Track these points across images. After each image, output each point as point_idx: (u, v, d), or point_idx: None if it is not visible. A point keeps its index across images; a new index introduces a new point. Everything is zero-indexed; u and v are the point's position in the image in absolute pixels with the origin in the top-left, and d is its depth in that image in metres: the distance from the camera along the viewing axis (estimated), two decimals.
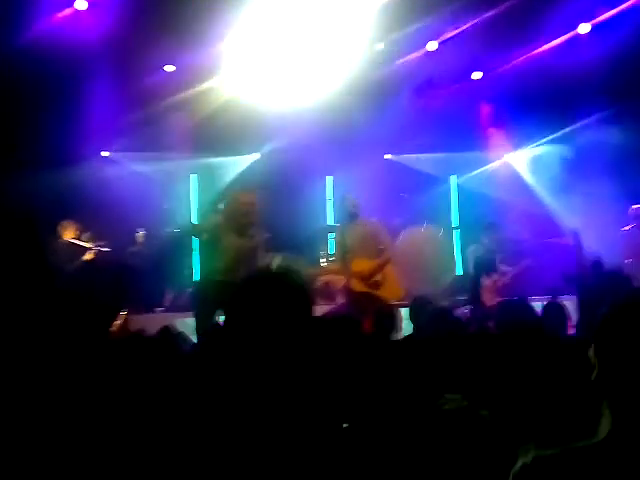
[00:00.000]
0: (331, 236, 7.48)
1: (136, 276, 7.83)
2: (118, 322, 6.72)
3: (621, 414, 1.41)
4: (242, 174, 9.42)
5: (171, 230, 7.88)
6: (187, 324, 5.47)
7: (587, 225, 6.76)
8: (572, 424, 2.08)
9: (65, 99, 7.76)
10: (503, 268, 7.08)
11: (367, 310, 5.63)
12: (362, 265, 5.91)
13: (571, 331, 3.90)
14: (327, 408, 1.70)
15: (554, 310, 3.97)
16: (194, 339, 4.09)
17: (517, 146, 9.83)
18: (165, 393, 2.50)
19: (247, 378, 1.64)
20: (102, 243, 6.92)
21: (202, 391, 2.33)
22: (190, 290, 7.58)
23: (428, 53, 8.46)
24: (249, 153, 9.62)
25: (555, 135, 9.15)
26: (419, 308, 4.42)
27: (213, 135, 8.86)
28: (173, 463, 1.58)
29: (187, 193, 9.40)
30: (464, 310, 6.24)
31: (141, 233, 8.14)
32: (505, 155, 10.01)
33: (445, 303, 5.32)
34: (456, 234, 9.79)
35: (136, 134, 8.67)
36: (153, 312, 7.75)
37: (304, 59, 8.04)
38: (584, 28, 8.06)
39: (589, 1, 7.81)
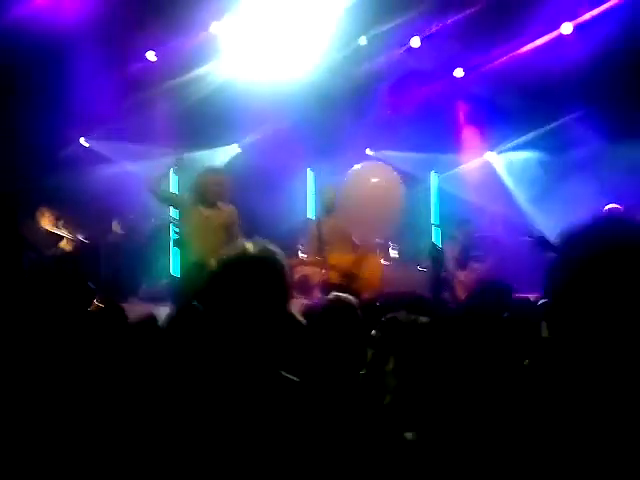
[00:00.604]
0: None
1: (111, 265, 7.77)
2: (91, 309, 6.67)
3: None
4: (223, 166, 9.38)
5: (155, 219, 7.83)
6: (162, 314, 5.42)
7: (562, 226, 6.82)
8: None
9: (44, 85, 7.67)
10: (473, 265, 7.13)
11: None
12: (339, 258, 5.90)
13: None
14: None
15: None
16: None
17: (496, 145, 9.89)
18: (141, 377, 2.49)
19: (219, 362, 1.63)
20: (78, 231, 6.83)
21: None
22: (165, 281, 7.54)
23: (410, 49, 8.48)
24: (229, 144, 9.58)
25: (534, 134, 9.21)
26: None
27: (193, 125, 8.80)
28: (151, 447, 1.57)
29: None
30: None
31: (117, 222, 8.07)
32: (485, 154, 10.07)
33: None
34: (436, 231, 9.82)
35: (116, 123, 8.59)
36: (127, 302, 7.69)
37: (285, 51, 8.01)
38: (567, 28, 8.11)
39: (572, 0, 7.87)
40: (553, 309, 1.36)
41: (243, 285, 1.64)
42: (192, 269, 5.15)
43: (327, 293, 5.59)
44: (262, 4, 7.67)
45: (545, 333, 2.27)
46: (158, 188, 5.57)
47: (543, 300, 3.89)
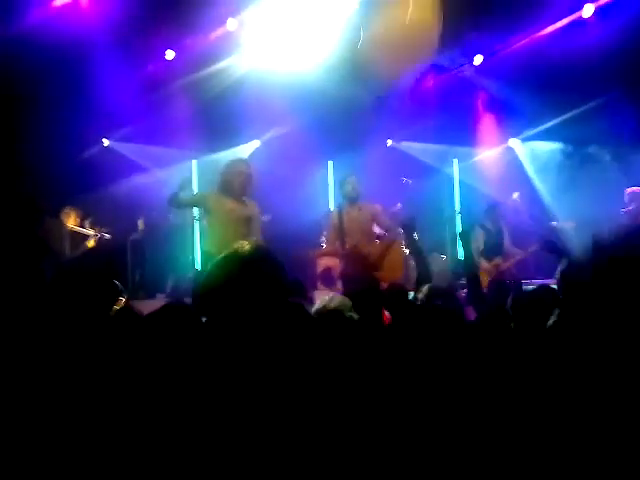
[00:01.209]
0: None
1: (137, 262, 7.87)
2: (117, 307, 6.76)
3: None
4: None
5: (173, 217, 7.89)
6: None
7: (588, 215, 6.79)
8: None
9: (66, 86, 7.74)
10: (512, 250, 7.07)
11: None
12: (359, 248, 5.89)
13: None
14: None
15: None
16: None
17: (519, 133, 9.79)
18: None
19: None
20: (104, 230, 6.92)
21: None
22: (191, 276, 7.60)
23: None
24: (249, 141, 9.62)
25: (557, 121, 9.10)
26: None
27: (213, 125, 8.84)
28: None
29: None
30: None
31: (142, 220, 8.15)
32: (509, 141, 9.98)
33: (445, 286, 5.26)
34: (458, 219, 9.77)
35: (137, 124, 8.66)
36: (154, 298, 7.79)
37: (303, 44, 7.99)
38: (588, 10, 7.98)
39: None
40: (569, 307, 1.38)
41: (233, 284, 1.65)
42: (211, 261, 5.15)
43: (347, 284, 5.65)
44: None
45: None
46: (176, 200, 5.54)
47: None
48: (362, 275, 5.81)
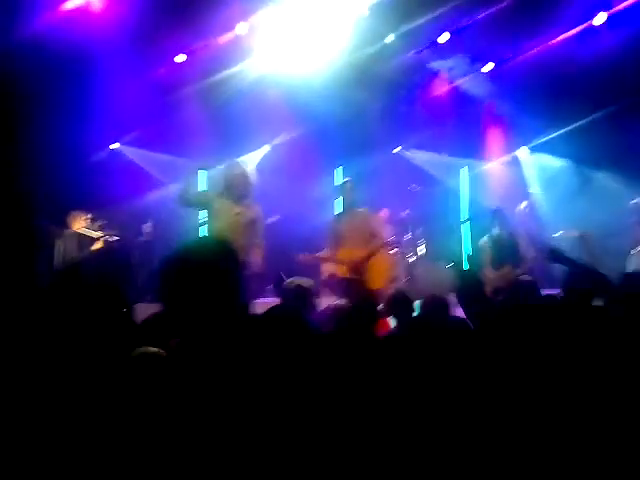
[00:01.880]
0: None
1: (144, 265, 7.89)
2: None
3: None
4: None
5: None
6: None
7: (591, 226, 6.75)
8: None
9: (75, 90, 7.78)
10: (530, 254, 6.86)
11: (351, 297, 5.64)
12: (348, 253, 5.91)
13: None
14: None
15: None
16: None
17: (527, 142, 9.75)
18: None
19: None
20: (111, 232, 6.94)
21: None
22: None
23: (439, 45, 8.41)
24: (259, 146, 9.63)
25: (565, 130, 9.05)
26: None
27: (222, 132, 8.84)
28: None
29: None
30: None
31: (149, 224, 8.18)
32: (516, 151, 9.94)
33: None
34: (465, 228, 9.72)
35: (146, 128, 8.69)
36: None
37: (312, 50, 8.02)
38: (600, 18, 7.94)
39: None
40: None
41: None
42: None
43: (334, 287, 5.66)
44: (289, 3, 7.69)
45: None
46: (186, 197, 5.55)
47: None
48: (351, 280, 5.82)
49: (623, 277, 3.54)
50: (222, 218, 5.47)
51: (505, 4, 7.50)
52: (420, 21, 7.58)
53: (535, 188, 9.61)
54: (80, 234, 7.04)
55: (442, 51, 8.48)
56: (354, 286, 5.75)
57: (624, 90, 8.08)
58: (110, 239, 6.94)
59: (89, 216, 7.21)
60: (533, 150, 9.83)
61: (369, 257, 5.93)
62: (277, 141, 9.42)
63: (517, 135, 9.63)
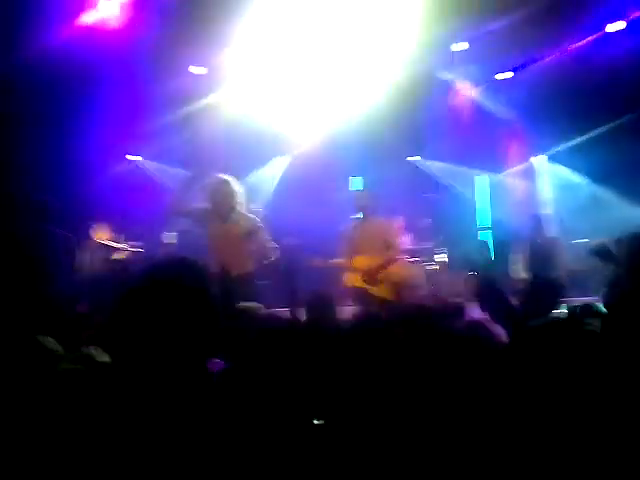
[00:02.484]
0: None
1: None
2: None
3: None
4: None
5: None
6: None
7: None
8: None
9: (93, 102, 7.85)
10: (567, 264, 6.71)
11: (364, 306, 5.52)
12: (363, 261, 5.84)
13: None
14: None
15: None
16: None
17: (544, 150, 9.75)
18: None
19: None
20: (133, 243, 6.98)
21: None
22: None
23: (457, 54, 8.43)
24: (279, 156, 9.70)
25: (583, 138, 9.03)
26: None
27: (239, 144, 8.88)
28: None
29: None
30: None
31: (168, 234, 8.22)
32: (533, 158, 9.93)
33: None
34: (483, 235, 9.70)
35: (163, 141, 8.74)
36: None
37: (336, 64, 8.05)
38: (617, 26, 7.92)
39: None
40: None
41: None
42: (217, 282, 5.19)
43: (349, 296, 5.61)
44: (312, 16, 7.72)
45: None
46: (177, 208, 5.52)
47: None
48: (365, 289, 5.78)
49: None
50: (212, 236, 5.43)
51: (522, 13, 7.48)
52: (438, 31, 7.58)
53: (550, 196, 9.57)
54: (103, 244, 7.10)
55: (459, 60, 8.48)
56: (367, 295, 5.74)
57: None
58: (132, 250, 6.98)
59: (111, 227, 7.28)
60: (550, 159, 9.81)
61: (384, 266, 5.85)
62: (296, 152, 9.47)
63: (534, 144, 9.62)
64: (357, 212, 6.02)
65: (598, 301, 3.98)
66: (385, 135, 8.80)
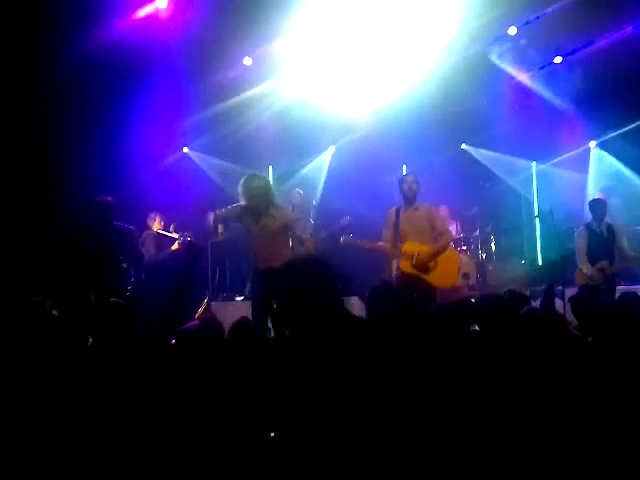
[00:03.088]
0: None
1: (218, 265, 8.03)
2: (201, 309, 6.93)
3: None
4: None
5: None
6: None
7: None
8: None
9: (147, 95, 7.95)
10: (628, 253, 6.56)
11: (413, 292, 5.57)
12: (413, 248, 5.81)
13: None
14: None
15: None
16: None
17: (597, 136, 9.56)
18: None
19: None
20: (187, 233, 7.08)
21: None
22: None
23: (506, 40, 8.31)
24: (325, 149, 9.71)
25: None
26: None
27: (287, 136, 8.91)
28: None
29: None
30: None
31: (222, 225, 8.29)
32: (587, 144, 9.75)
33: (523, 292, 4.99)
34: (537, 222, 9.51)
35: (212, 134, 8.82)
36: (233, 300, 7.95)
37: (387, 51, 8.01)
38: None
39: None
40: None
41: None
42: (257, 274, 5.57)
43: (399, 282, 5.57)
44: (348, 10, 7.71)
45: None
46: (220, 217, 5.76)
47: None
48: (416, 276, 5.74)
49: None
50: (251, 232, 5.60)
51: None
52: (490, 15, 7.48)
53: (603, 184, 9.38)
54: (159, 234, 7.22)
55: (509, 46, 8.36)
56: (418, 281, 5.72)
57: None
58: (186, 239, 7.08)
59: (166, 217, 7.40)
60: (601, 146, 9.62)
61: (437, 253, 5.82)
62: (342, 141, 9.46)
63: (585, 131, 9.43)
64: (403, 197, 5.99)
65: None
66: (434, 122, 8.74)
